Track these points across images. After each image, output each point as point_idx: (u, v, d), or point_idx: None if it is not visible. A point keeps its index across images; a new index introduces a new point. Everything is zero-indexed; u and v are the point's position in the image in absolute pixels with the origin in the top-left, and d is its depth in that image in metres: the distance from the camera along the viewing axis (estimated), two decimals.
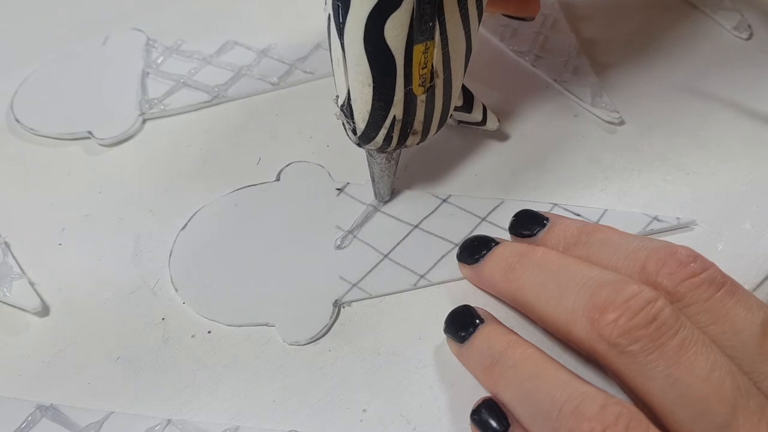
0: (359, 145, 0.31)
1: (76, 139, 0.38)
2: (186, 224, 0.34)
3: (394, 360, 0.29)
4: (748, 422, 0.22)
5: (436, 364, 0.28)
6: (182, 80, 0.40)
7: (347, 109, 0.30)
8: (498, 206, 0.33)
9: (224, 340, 0.30)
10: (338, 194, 0.34)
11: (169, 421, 0.27)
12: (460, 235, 0.32)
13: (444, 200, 0.34)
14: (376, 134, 0.30)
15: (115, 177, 0.36)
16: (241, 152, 0.37)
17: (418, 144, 0.32)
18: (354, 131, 0.31)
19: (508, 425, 0.25)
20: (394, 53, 0.27)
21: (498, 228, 0.32)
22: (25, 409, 0.28)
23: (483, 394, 0.27)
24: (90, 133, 0.38)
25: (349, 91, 0.29)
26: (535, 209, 0.31)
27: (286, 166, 0.36)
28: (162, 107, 0.39)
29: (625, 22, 0.43)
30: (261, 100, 0.40)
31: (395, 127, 0.30)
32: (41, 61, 0.42)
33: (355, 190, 0.34)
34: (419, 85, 0.29)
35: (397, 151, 0.32)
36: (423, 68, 0.28)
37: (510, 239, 0.31)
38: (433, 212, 0.33)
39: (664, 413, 0.23)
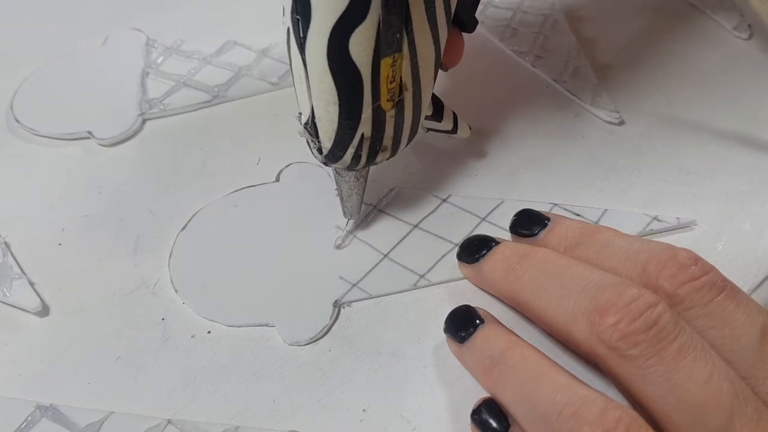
0: (325, 164, 0.30)
1: (76, 139, 0.38)
2: (186, 224, 0.33)
3: (394, 360, 0.29)
4: (746, 428, 0.22)
5: (436, 364, 0.28)
6: (182, 80, 0.40)
7: (311, 128, 0.28)
8: (498, 206, 0.33)
9: (224, 340, 0.30)
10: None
11: (169, 421, 0.27)
12: (460, 235, 0.32)
13: (444, 200, 0.34)
14: (344, 153, 0.29)
15: (115, 177, 0.36)
16: (241, 152, 0.37)
17: (388, 159, 0.31)
18: (320, 150, 0.29)
19: (508, 425, 0.25)
20: (360, 68, 0.26)
21: (498, 228, 0.32)
22: (25, 409, 0.28)
23: (483, 394, 0.26)
24: (90, 133, 0.38)
25: (312, 109, 0.28)
26: (535, 209, 0.31)
27: (286, 166, 0.36)
28: (162, 107, 0.39)
29: (625, 22, 0.43)
30: (261, 100, 0.40)
31: (364, 145, 0.29)
32: (41, 61, 0.42)
33: None
34: (387, 100, 0.27)
35: (366, 168, 0.31)
36: (391, 82, 0.27)
37: (510, 239, 0.31)
38: (433, 212, 0.33)
39: (663, 417, 0.23)
